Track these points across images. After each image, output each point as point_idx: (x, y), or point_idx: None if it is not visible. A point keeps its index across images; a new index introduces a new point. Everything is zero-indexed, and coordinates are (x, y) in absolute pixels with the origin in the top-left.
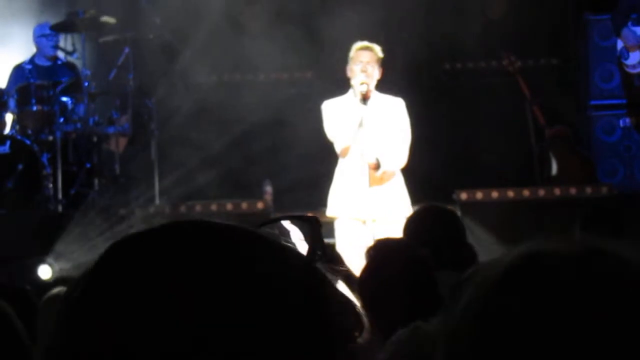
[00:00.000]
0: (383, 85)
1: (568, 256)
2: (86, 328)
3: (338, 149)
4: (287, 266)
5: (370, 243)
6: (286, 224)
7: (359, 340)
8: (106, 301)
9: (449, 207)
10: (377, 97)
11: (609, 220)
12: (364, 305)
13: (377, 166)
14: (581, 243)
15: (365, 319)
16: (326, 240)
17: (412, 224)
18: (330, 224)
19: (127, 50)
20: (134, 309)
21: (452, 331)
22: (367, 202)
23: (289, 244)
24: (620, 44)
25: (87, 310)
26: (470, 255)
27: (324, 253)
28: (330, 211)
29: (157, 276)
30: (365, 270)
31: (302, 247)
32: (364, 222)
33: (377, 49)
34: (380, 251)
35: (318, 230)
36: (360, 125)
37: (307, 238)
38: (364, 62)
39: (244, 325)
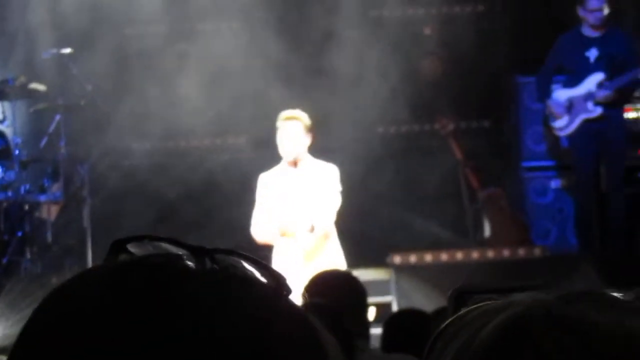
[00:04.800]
0: (317, 150)
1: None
2: None
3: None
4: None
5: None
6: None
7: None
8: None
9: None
10: (308, 163)
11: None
12: None
13: (312, 230)
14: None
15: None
16: None
17: (315, 287)
18: None
19: (58, 117)
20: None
21: None
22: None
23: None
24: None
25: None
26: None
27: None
28: None
29: (94, 324)
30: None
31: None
32: None
33: (304, 117)
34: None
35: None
36: (288, 199)
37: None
38: (289, 132)
39: None
